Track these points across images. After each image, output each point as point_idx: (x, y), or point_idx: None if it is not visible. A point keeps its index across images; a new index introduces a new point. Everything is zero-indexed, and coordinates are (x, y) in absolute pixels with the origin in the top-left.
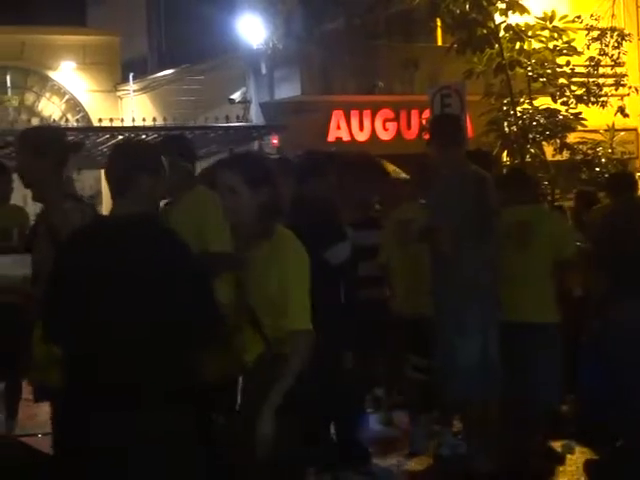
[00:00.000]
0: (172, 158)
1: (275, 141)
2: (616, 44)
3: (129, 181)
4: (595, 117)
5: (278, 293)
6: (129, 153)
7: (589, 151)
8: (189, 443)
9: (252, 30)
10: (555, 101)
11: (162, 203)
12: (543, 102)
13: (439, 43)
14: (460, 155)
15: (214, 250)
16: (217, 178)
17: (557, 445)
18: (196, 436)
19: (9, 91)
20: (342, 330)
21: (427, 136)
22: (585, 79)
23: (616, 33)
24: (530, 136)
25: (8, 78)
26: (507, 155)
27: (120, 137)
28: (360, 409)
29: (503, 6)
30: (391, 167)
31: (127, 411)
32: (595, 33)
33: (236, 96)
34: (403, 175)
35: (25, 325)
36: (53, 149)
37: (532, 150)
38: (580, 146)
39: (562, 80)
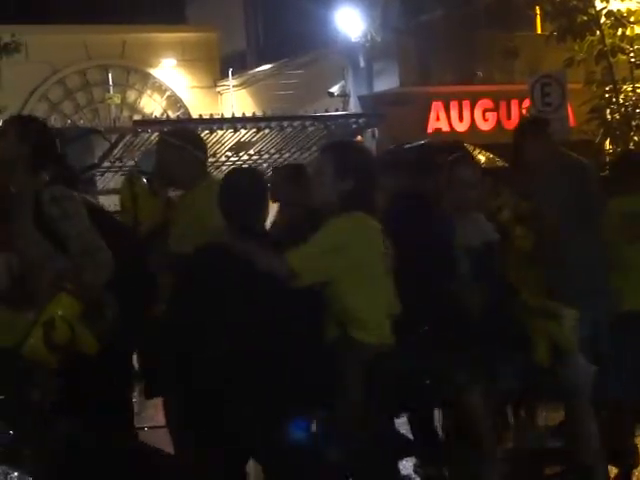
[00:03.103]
0: (188, 148)
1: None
2: None
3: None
4: None
5: None
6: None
7: None
8: None
9: (350, 23)
10: None
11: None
12: None
13: (539, 31)
14: (556, 145)
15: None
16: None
17: None
18: None
19: (111, 89)
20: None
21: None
22: None
23: None
24: (633, 123)
25: (110, 76)
26: (610, 143)
27: (219, 132)
28: None
29: None
30: (485, 155)
31: None
32: None
33: (335, 89)
34: (500, 163)
35: None
36: (34, 138)
37: (635, 138)
38: None
39: None
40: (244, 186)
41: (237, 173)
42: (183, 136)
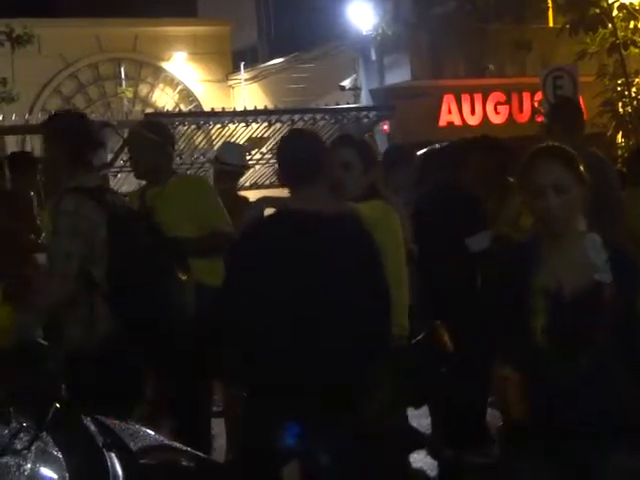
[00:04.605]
0: (160, 141)
1: (386, 127)
2: None
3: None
4: None
5: None
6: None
7: None
8: None
9: (361, 16)
10: None
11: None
12: None
13: (550, 24)
14: (582, 139)
15: (223, 230)
16: (333, 154)
17: None
18: None
19: (123, 83)
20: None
21: (541, 119)
22: None
23: None
24: None
25: (122, 70)
26: (622, 136)
27: (231, 125)
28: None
29: None
30: None
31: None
32: None
33: (346, 83)
34: None
35: None
36: (69, 137)
37: None
38: None
39: None
40: (300, 149)
41: (294, 135)
42: (161, 132)
